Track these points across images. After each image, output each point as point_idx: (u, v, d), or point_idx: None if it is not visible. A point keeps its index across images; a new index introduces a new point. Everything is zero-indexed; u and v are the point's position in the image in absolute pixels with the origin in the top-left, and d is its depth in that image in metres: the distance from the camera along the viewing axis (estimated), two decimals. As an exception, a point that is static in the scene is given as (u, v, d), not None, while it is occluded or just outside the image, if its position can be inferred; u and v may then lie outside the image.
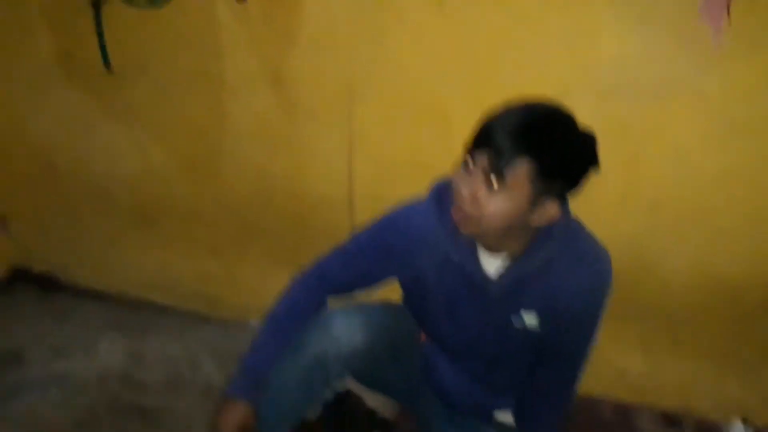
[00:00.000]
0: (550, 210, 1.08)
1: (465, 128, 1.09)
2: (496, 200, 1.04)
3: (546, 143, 1.03)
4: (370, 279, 1.32)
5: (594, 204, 1.48)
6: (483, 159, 1.03)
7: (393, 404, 1.64)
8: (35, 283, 2.14)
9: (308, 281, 1.33)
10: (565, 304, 1.17)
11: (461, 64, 1.46)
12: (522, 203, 1.05)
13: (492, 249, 1.18)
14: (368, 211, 1.34)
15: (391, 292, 1.36)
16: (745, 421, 1.62)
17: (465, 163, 1.08)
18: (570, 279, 1.16)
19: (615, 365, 1.72)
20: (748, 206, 1.43)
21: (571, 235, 1.17)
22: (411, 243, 1.25)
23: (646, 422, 1.70)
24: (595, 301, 1.19)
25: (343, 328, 1.26)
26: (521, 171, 1.02)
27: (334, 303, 1.33)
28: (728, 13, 1.26)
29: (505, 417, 1.43)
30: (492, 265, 1.20)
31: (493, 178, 1.03)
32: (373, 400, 1.61)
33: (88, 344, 1.87)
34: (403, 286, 1.36)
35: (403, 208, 1.28)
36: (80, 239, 2.11)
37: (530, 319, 1.21)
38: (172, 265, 2.04)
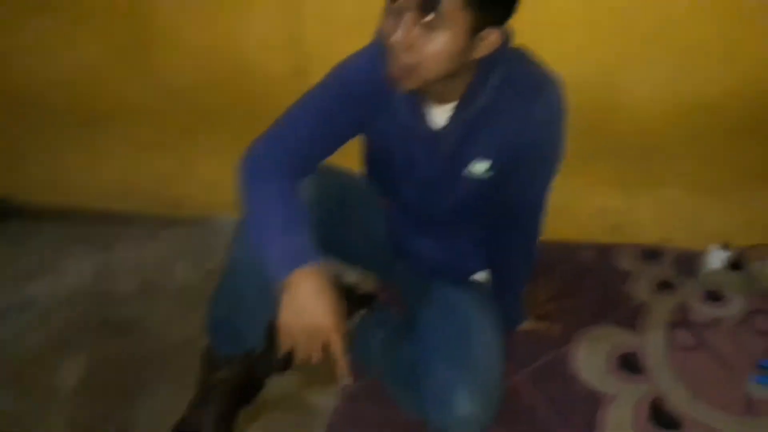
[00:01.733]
0: (491, 39, 0.98)
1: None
2: (434, 38, 0.94)
3: None
4: (334, 142, 1.19)
5: (559, 33, 1.38)
6: None
7: (371, 277, 1.62)
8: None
9: (271, 156, 1.13)
10: (518, 140, 1.11)
11: None
12: (461, 36, 0.95)
13: (439, 98, 1.10)
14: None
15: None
16: (725, 246, 1.61)
17: (390, 7, 0.96)
18: (518, 111, 1.08)
19: (593, 205, 1.70)
20: (718, 15, 1.34)
21: (516, 65, 1.07)
22: (368, 92, 1.15)
23: (627, 259, 1.70)
24: (550, 130, 1.12)
25: None
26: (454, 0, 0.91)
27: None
28: None
29: (481, 277, 1.42)
30: (441, 116, 1.12)
31: (426, 12, 0.92)
32: (351, 276, 1.59)
33: (53, 265, 1.81)
34: (365, 146, 1.29)
35: (351, 57, 1.17)
36: (25, 155, 1.99)
37: (481, 167, 1.16)
38: (126, 169, 1.95)
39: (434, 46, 0.95)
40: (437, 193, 1.25)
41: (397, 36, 0.94)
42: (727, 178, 1.59)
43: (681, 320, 1.52)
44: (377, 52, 1.09)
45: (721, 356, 1.43)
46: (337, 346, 1.02)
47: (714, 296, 1.57)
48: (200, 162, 1.88)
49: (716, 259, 1.62)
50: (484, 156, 1.15)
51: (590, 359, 1.45)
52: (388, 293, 1.59)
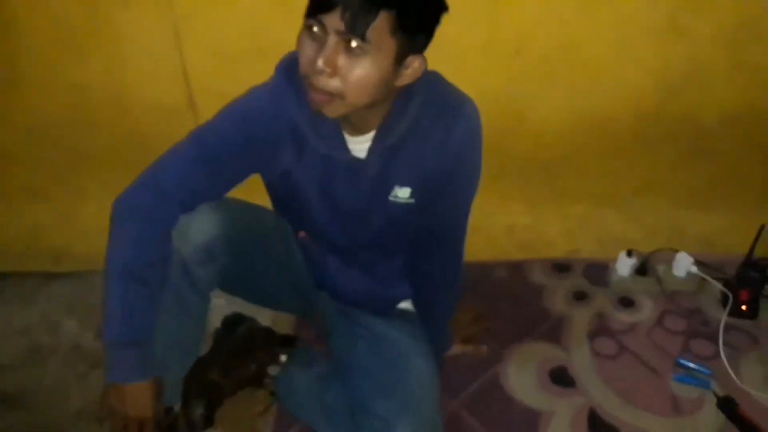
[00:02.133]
0: (415, 67, 0.97)
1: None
2: (361, 64, 0.90)
3: None
4: (222, 185, 1.13)
5: (457, 54, 1.38)
6: (335, 20, 0.87)
7: (288, 317, 1.52)
8: None
9: (146, 205, 1.06)
10: (438, 162, 1.09)
11: None
12: (388, 63, 0.92)
13: (358, 128, 1.06)
14: (215, 112, 1.14)
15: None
16: (629, 253, 1.66)
17: (310, 32, 0.91)
18: (437, 134, 1.06)
19: (501, 223, 1.70)
20: (611, 33, 1.39)
21: (431, 89, 1.06)
22: (268, 133, 1.09)
23: (538, 274, 1.71)
24: (468, 150, 1.11)
25: (189, 220, 1.09)
26: (382, 25, 0.88)
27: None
28: None
29: (406, 305, 1.38)
30: (360, 146, 1.08)
31: (352, 38, 0.88)
32: (267, 318, 1.48)
33: None
34: (269, 184, 1.21)
35: (249, 95, 1.10)
36: None
37: (404, 193, 1.13)
38: (-6, 224, 1.72)
39: (361, 73, 0.91)
40: (361, 222, 1.19)
41: (321, 62, 0.89)
42: (627, 191, 1.65)
43: (600, 329, 1.54)
44: (281, 85, 1.04)
45: (643, 359, 1.46)
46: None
47: (626, 302, 1.62)
48: (80, 209, 1.70)
49: (624, 266, 1.67)
50: (407, 181, 1.12)
51: (522, 378, 1.43)
52: (309, 332, 1.50)
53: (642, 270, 1.67)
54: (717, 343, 1.47)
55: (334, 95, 0.92)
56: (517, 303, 1.63)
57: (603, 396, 1.38)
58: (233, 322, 1.42)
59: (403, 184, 1.12)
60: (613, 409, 1.35)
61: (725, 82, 1.46)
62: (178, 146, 1.12)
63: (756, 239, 1.54)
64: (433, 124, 1.06)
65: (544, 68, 1.44)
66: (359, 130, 1.07)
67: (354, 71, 0.90)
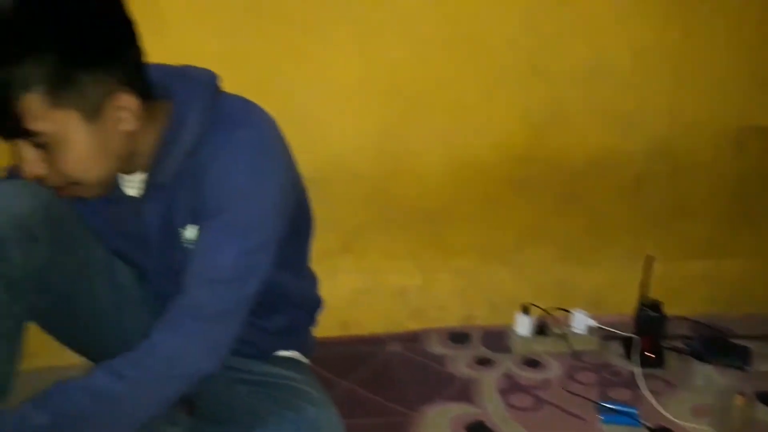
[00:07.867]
0: (127, 107, 0.80)
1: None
2: (58, 150, 0.77)
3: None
4: None
5: (330, 95, 1.34)
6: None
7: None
8: None
9: None
10: (214, 189, 0.86)
11: None
12: (81, 131, 0.77)
13: (130, 170, 0.90)
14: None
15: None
16: (525, 310, 1.55)
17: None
18: (217, 158, 0.86)
19: (393, 286, 1.54)
20: (476, 73, 1.42)
21: (216, 110, 0.87)
22: None
23: (435, 345, 1.54)
24: (243, 169, 0.86)
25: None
26: (29, 104, 0.73)
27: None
28: None
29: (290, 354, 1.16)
30: (132, 184, 0.92)
31: (22, 137, 0.76)
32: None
33: None
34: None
35: None
36: None
37: (191, 232, 0.91)
38: None
39: (67, 158, 0.78)
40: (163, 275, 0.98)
41: (26, 171, 0.79)
42: (510, 241, 1.58)
43: (512, 386, 1.38)
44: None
45: (563, 408, 1.30)
46: None
47: (532, 363, 1.48)
48: None
49: (523, 325, 1.55)
50: (190, 218, 0.90)
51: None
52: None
53: (541, 330, 1.56)
54: (633, 389, 1.36)
55: (69, 186, 0.81)
56: (419, 371, 1.44)
57: (530, 442, 1.19)
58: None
59: (192, 225, 0.91)
60: (545, 453, 1.16)
61: (585, 124, 1.50)
62: None
63: (648, 274, 1.46)
64: (216, 147, 0.86)
65: (418, 109, 1.42)
66: (133, 170, 0.90)
67: (60, 161, 0.78)
